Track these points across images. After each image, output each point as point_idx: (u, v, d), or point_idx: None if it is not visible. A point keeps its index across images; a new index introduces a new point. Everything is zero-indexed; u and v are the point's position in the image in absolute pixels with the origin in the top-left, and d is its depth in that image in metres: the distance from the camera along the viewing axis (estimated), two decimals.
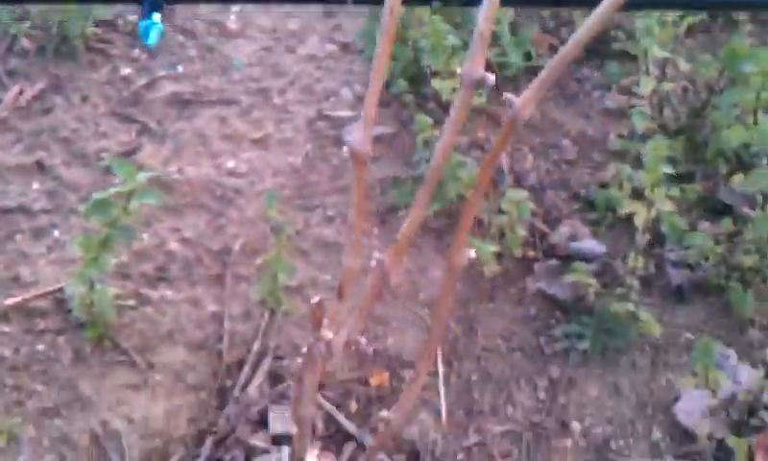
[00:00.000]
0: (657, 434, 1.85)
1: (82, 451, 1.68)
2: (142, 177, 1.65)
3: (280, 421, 1.80)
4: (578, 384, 1.93)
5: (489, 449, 1.80)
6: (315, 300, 1.16)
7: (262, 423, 1.82)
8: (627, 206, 1.98)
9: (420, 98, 2.41)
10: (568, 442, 1.83)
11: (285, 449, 1.69)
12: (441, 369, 1.92)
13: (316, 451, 1.24)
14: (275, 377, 1.89)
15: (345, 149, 2.27)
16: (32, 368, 1.76)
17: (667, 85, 2.28)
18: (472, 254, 1.04)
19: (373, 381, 1.91)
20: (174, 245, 2.04)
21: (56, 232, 2.02)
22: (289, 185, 2.21)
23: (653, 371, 1.97)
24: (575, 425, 1.86)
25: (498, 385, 1.92)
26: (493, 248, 2.02)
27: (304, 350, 1.22)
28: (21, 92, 2.37)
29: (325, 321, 1.17)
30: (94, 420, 1.72)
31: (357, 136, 1.01)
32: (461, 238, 1.04)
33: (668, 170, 1.93)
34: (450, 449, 1.81)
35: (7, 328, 1.81)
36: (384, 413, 1.23)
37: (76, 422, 1.71)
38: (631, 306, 1.96)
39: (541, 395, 1.91)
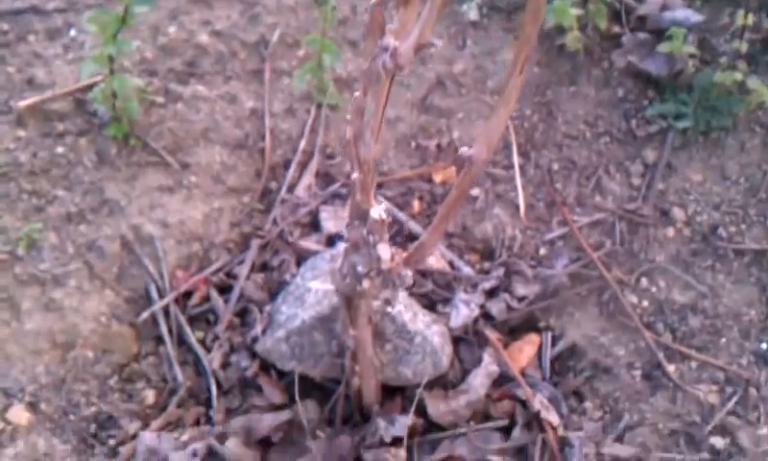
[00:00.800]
0: None
1: (111, 258, 1.48)
2: None
3: (333, 220, 1.57)
4: (678, 169, 1.65)
5: (576, 241, 1.55)
6: (372, 0, 0.89)
7: (312, 225, 1.59)
8: None
9: None
10: (670, 230, 1.57)
11: (339, 245, 1.47)
12: (516, 159, 1.66)
13: (383, 205, 0.97)
14: (325, 177, 1.65)
15: None
16: (51, 172, 1.55)
17: None
18: None
19: (438, 178, 1.67)
20: (204, 38, 1.78)
21: (72, 32, 1.77)
22: None
23: (764, 151, 1.68)
24: (677, 213, 1.59)
25: (584, 174, 1.65)
26: (577, 12, 1.71)
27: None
28: None
29: (389, 27, 0.89)
30: (124, 224, 1.51)
31: None
32: None
33: None
34: (531, 244, 1.56)
35: (22, 133, 1.59)
36: (465, 149, 0.97)
37: (103, 227, 1.50)
38: (738, 75, 1.66)
39: (636, 181, 1.64)
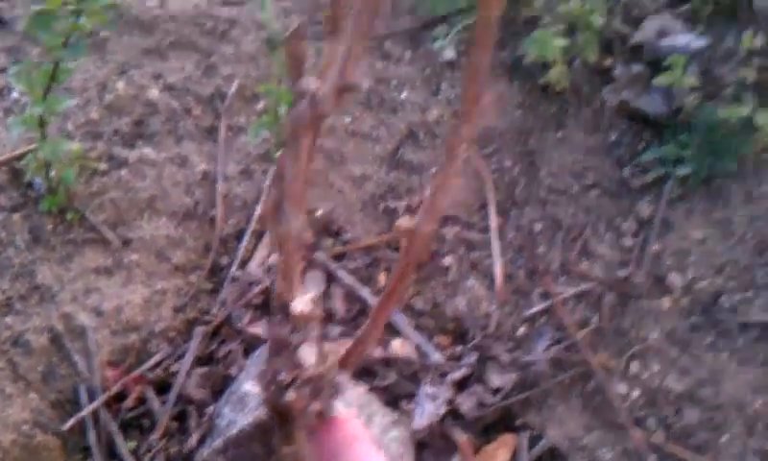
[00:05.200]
0: None
1: (38, 354, 1.27)
2: None
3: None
4: (676, 225, 1.40)
5: (558, 319, 1.30)
6: (290, 28, 0.68)
7: (266, 306, 1.36)
8: None
9: None
10: (665, 301, 1.32)
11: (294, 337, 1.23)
12: (494, 221, 1.41)
13: (310, 295, 0.70)
14: None
15: None
16: None
17: None
18: None
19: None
20: (155, 93, 1.56)
21: (14, 93, 1.57)
22: (296, 9, 1.68)
23: None
24: (674, 279, 1.34)
25: (570, 235, 1.40)
26: (563, 42, 1.44)
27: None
28: None
29: (308, 65, 0.66)
30: (55, 314, 1.31)
31: None
32: None
33: None
34: (508, 323, 1.32)
35: None
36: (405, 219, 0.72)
37: (32, 318, 1.30)
38: (745, 110, 1.38)
39: (628, 242, 1.38)
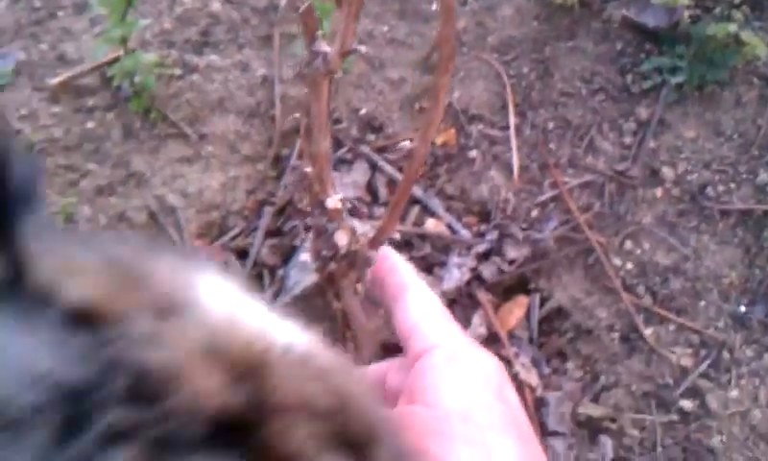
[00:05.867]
0: (763, 176, 1.86)
1: (140, 228, 1.86)
2: None
3: (340, 186, 1.93)
4: (671, 125, 1.95)
5: (565, 204, 1.88)
6: (303, 6, 1.15)
7: None
8: None
9: None
10: (658, 191, 1.88)
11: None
12: (512, 120, 1.97)
13: (340, 195, 1.31)
14: (334, 142, 2.00)
15: None
16: (83, 147, 1.93)
17: None
18: None
19: (439, 140, 2.00)
20: (217, 6, 2.12)
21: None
22: None
23: (760, 105, 1.95)
24: (666, 172, 1.89)
25: (578, 133, 1.97)
26: None
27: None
28: None
29: (319, 32, 1.16)
30: (149, 196, 1.90)
31: None
32: None
33: None
34: (523, 207, 1.90)
35: (56, 109, 1.97)
36: (407, 143, 1.28)
37: (131, 199, 1.89)
38: (733, 27, 1.91)
39: (628, 140, 1.95)
